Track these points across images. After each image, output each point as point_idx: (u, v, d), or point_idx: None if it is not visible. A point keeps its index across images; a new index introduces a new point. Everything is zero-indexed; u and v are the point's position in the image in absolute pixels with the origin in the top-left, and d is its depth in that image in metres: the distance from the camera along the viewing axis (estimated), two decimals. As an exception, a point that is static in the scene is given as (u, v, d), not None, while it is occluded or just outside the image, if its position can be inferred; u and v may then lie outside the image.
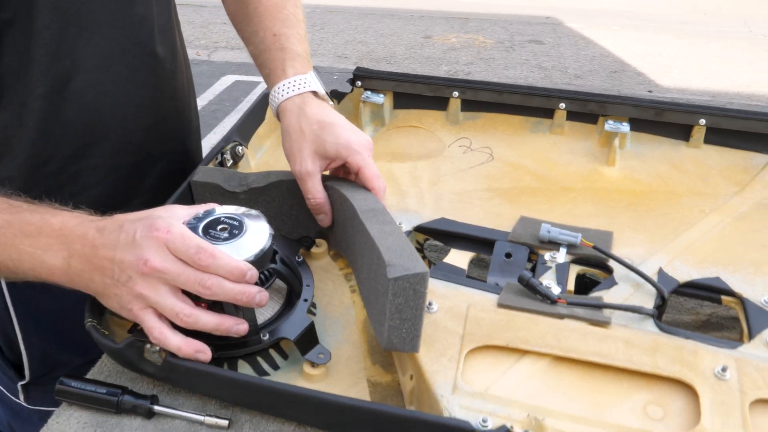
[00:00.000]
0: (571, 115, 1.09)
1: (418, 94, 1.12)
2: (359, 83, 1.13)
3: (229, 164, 0.99)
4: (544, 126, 1.11)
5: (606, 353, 0.68)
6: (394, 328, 0.66)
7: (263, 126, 1.13)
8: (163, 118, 0.98)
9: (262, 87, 4.84)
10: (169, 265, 0.65)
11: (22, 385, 1.00)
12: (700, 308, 0.95)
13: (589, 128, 1.09)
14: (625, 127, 1.06)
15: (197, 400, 0.73)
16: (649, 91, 4.86)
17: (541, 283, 0.77)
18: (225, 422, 0.69)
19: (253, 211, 0.77)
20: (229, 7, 1.03)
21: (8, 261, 0.70)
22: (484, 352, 0.70)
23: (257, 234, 0.73)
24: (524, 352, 0.69)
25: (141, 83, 0.92)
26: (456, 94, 1.10)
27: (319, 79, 0.91)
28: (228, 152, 1.00)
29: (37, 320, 0.95)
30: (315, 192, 0.83)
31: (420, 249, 0.95)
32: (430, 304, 0.74)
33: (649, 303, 0.78)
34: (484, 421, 0.60)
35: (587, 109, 1.07)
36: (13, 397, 1.02)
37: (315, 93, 0.89)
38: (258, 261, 0.71)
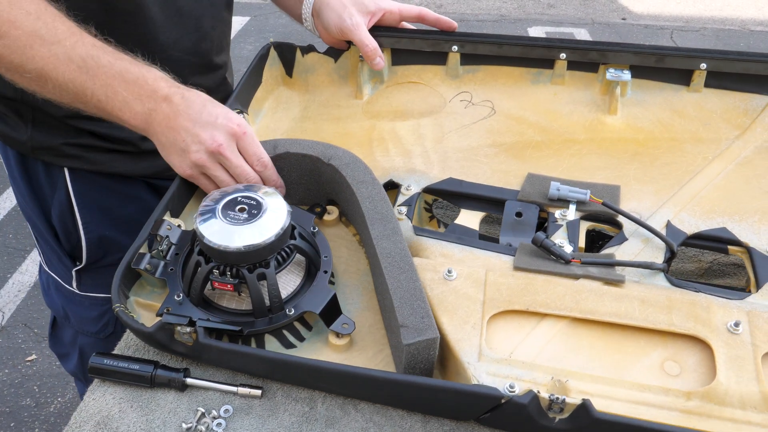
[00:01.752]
0: (572, 65, 1.08)
1: (416, 49, 1.11)
2: (356, 40, 1.11)
3: None
4: (544, 77, 1.10)
5: (623, 313, 0.70)
6: (409, 369, 0.69)
7: (260, 89, 1.12)
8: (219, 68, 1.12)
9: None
10: (234, 156, 0.83)
11: (76, 271, 1.13)
12: (701, 256, 0.98)
13: (589, 77, 1.09)
14: (627, 75, 1.05)
15: (227, 371, 0.75)
16: (623, 18, 4.77)
17: (555, 243, 0.79)
18: (258, 392, 0.71)
19: (269, 189, 0.77)
20: None
21: (102, 95, 0.82)
22: (504, 316, 0.72)
23: (276, 212, 0.74)
24: (544, 315, 0.72)
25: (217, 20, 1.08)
26: (455, 48, 1.09)
27: None
28: None
29: (94, 209, 1.08)
30: (368, 39, 1.06)
31: (429, 209, 0.96)
32: (449, 271, 0.75)
33: (658, 256, 0.80)
34: (511, 386, 0.63)
35: (588, 58, 1.07)
36: (66, 285, 1.17)
37: None
38: (279, 239, 0.72)
